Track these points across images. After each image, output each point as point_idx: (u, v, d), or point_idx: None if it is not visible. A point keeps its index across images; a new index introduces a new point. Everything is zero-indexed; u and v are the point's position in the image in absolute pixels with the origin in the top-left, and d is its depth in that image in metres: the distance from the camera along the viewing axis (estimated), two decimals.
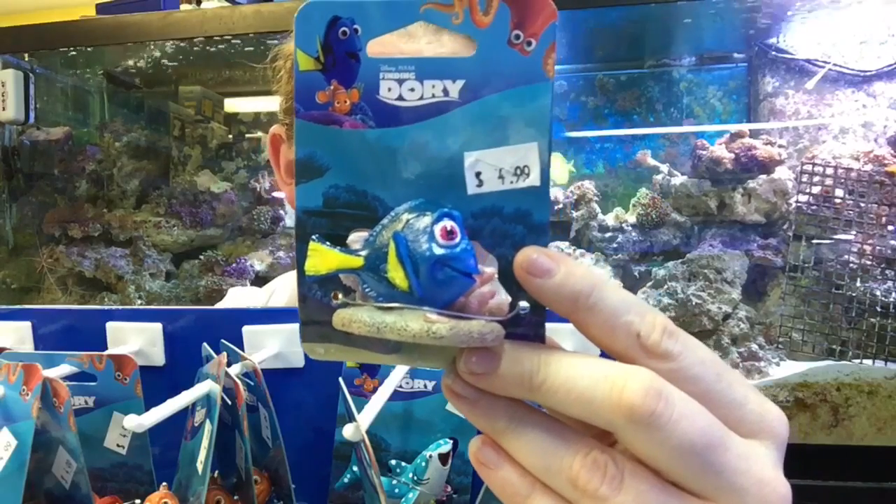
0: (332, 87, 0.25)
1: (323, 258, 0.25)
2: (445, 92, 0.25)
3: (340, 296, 0.26)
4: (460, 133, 0.25)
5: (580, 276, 0.24)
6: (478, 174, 0.25)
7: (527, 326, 0.25)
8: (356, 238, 0.26)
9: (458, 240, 0.24)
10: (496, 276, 0.25)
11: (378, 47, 0.25)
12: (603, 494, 0.24)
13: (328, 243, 0.25)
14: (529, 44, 0.24)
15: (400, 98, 0.25)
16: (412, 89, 0.25)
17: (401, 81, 0.25)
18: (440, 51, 0.60)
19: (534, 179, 0.25)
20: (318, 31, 0.25)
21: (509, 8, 0.24)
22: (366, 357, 0.27)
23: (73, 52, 1.88)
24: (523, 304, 0.25)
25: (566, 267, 0.24)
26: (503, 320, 0.24)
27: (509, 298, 0.25)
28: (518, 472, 0.25)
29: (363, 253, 0.25)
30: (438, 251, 0.24)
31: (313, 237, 0.25)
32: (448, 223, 0.24)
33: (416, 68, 0.25)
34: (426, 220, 0.24)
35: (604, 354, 0.26)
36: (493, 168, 0.25)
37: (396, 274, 0.24)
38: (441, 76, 0.25)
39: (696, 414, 0.24)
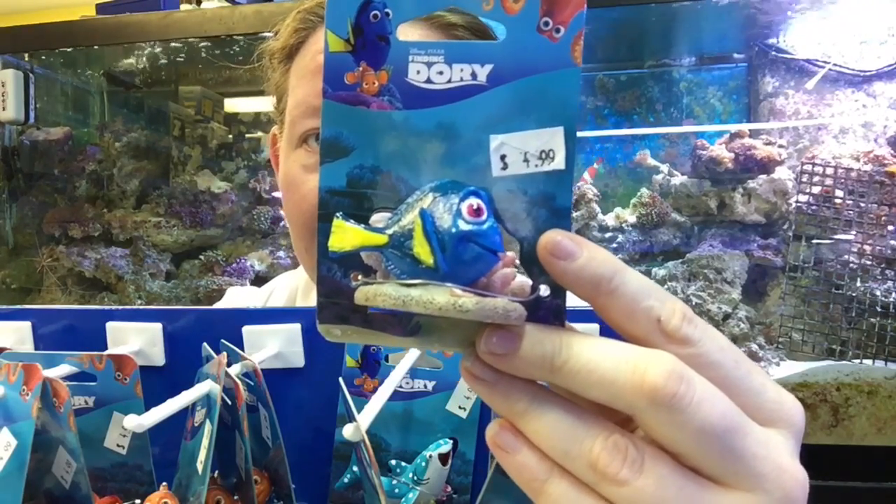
0: (361, 69, 0.25)
1: (347, 235, 0.25)
2: (474, 76, 0.25)
3: (360, 276, 0.26)
4: (487, 116, 0.25)
5: (602, 261, 0.24)
6: (503, 157, 0.25)
7: (547, 310, 0.25)
8: (379, 218, 0.26)
9: (484, 217, 0.24)
10: (518, 260, 0.25)
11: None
12: (623, 478, 0.24)
13: (352, 221, 0.25)
14: (558, 31, 0.25)
15: (428, 81, 0.25)
16: (441, 72, 0.25)
17: (430, 65, 0.25)
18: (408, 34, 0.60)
19: (559, 163, 0.25)
20: (349, 14, 0.25)
21: None
22: (383, 340, 0.26)
23: (73, 52, 1.88)
24: (544, 287, 0.25)
25: (589, 251, 0.24)
26: (525, 301, 0.24)
27: (531, 281, 0.25)
28: (536, 455, 0.25)
29: (388, 231, 0.25)
30: (465, 227, 0.24)
31: (338, 214, 0.25)
32: (475, 201, 0.24)
33: (445, 52, 0.25)
34: (453, 198, 0.24)
35: (620, 337, 0.26)
36: (518, 151, 0.25)
37: (422, 249, 0.24)
38: (470, 60, 0.25)
39: (716, 398, 0.24)
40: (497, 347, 0.24)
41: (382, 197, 0.26)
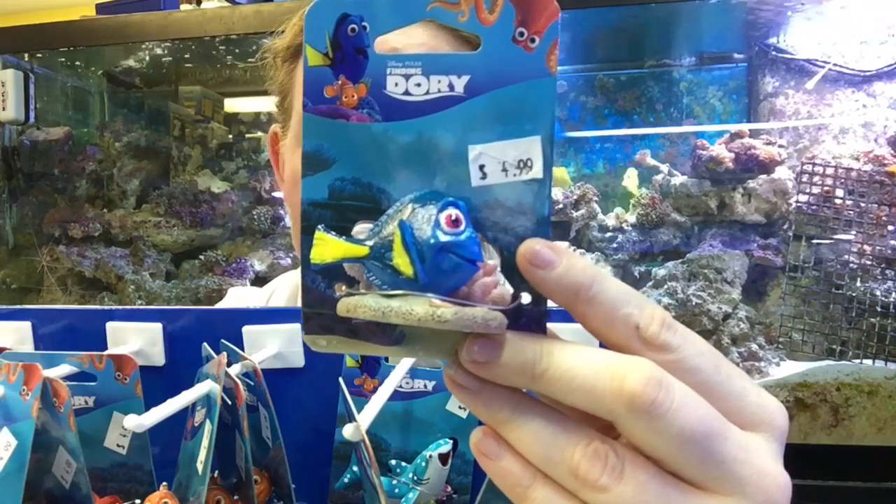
0: (339, 82, 0.26)
1: (328, 247, 0.26)
2: (451, 87, 0.25)
3: (344, 287, 0.26)
4: (465, 127, 0.26)
5: (581, 269, 0.25)
6: (481, 167, 0.26)
7: (528, 318, 0.26)
8: (361, 229, 0.26)
9: (462, 227, 0.24)
10: (499, 267, 0.25)
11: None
12: (603, 484, 0.24)
13: (333, 233, 0.26)
14: (533, 40, 0.25)
15: (406, 93, 0.26)
16: (418, 84, 0.26)
17: (407, 77, 0.26)
18: (407, 42, 0.60)
19: (536, 172, 0.25)
20: (327, 28, 0.25)
21: (514, 6, 0.25)
22: (368, 349, 0.27)
23: (73, 52, 1.88)
24: (525, 295, 0.25)
25: (568, 259, 0.25)
26: (506, 310, 0.25)
27: (511, 289, 0.25)
28: (519, 462, 0.25)
29: (369, 242, 0.25)
30: (443, 238, 0.24)
31: (319, 227, 0.26)
32: (453, 211, 0.24)
33: (422, 64, 0.25)
34: (431, 209, 0.25)
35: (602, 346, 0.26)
36: (496, 161, 0.25)
37: (402, 261, 0.24)
38: (447, 72, 0.25)
39: (695, 403, 0.24)
40: (479, 356, 0.25)
41: (363, 209, 0.26)
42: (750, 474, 0.24)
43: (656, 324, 0.25)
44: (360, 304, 0.25)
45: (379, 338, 0.26)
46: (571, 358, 0.24)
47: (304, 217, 0.26)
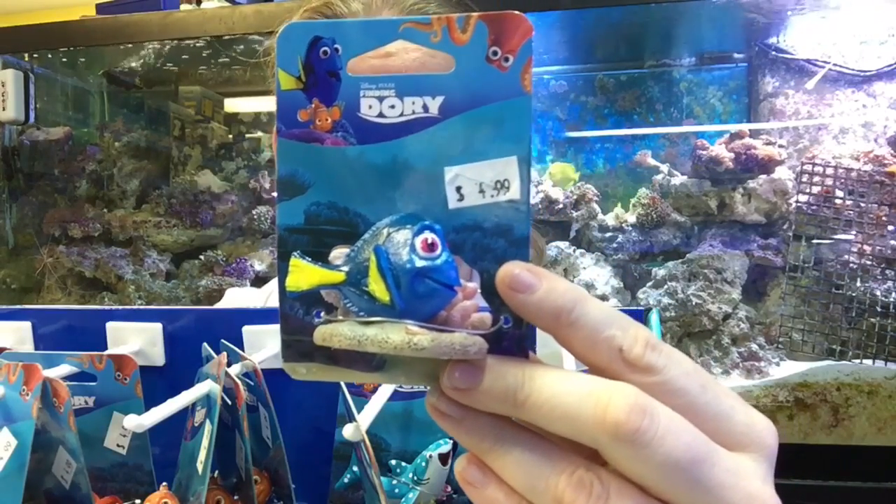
0: (313, 106, 0.25)
1: (304, 274, 0.25)
2: (425, 108, 0.25)
3: (323, 314, 0.26)
4: (440, 148, 0.25)
5: (562, 292, 0.24)
6: (458, 189, 0.25)
7: (510, 341, 0.25)
8: (338, 254, 0.26)
9: (438, 252, 0.24)
10: (479, 290, 0.25)
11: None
12: None
13: (309, 259, 0.25)
14: (507, 59, 0.25)
15: (380, 115, 0.25)
16: (392, 106, 0.25)
17: (381, 99, 0.25)
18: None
19: (514, 193, 0.25)
20: (299, 52, 0.25)
21: (487, 25, 0.25)
22: (349, 376, 0.26)
23: (73, 52, 1.88)
24: (506, 318, 0.25)
25: (548, 282, 0.24)
26: (486, 334, 0.24)
27: (492, 312, 0.25)
28: (504, 490, 0.25)
29: (345, 268, 0.25)
30: (419, 263, 0.24)
31: (294, 253, 0.25)
32: (429, 235, 0.24)
33: (395, 85, 0.25)
34: (407, 233, 0.24)
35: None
36: (473, 182, 0.25)
37: (377, 287, 0.24)
38: (421, 93, 0.25)
39: (681, 430, 0.24)
40: (460, 382, 0.24)
41: (340, 233, 0.26)
42: (739, 499, 0.24)
43: (640, 345, 0.24)
44: (336, 333, 0.24)
45: (359, 365, 0.26)
46: (554, 384, 0.24)
47: (280, 243, 0.26)
